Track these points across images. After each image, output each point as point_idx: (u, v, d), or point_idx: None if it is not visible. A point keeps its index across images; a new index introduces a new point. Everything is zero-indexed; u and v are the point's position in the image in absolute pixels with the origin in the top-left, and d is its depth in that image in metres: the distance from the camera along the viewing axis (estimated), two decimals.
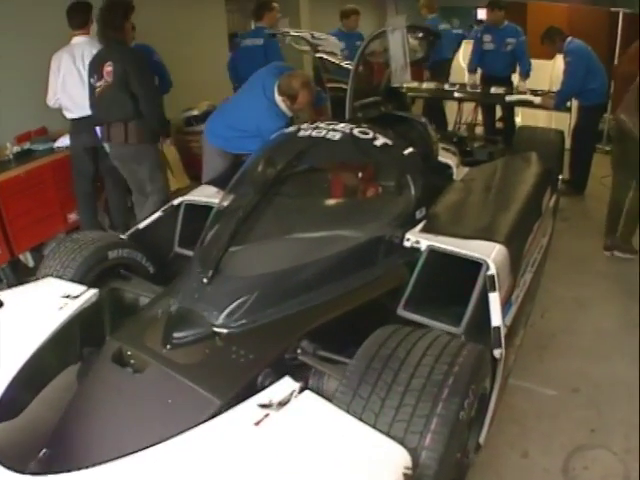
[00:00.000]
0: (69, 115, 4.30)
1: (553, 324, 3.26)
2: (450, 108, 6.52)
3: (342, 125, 2.71)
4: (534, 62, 6.23)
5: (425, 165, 3.26)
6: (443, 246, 2.29)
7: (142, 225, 3.04)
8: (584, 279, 3.72)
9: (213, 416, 1.61)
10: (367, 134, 2.67)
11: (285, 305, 2.09)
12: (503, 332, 2.03)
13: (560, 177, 3.99)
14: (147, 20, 5.63)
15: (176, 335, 1.96)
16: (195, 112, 6.23)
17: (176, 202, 3.08)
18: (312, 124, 2.78)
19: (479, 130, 6.42)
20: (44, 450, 1.78)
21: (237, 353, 1.88)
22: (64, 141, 4.53)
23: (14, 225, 4.23)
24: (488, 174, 3.27)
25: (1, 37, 4.56)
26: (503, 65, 6.25)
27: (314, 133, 2.67)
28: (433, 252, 2.30)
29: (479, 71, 6.44)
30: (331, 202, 2.68)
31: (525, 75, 6.13)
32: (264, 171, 2.70)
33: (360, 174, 2.76)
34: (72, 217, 4.67)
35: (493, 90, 5.59)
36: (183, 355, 1.90)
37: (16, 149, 4.55)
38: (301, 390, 1.61)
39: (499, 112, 6.45)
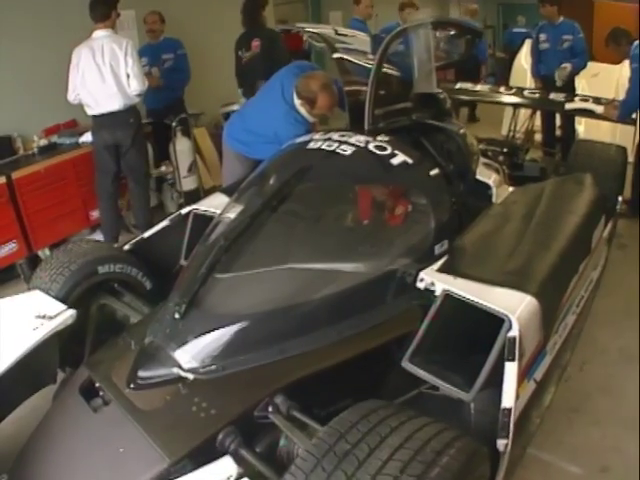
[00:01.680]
0: (90, 112, 4.17)
1: (591, 380, 2.75)
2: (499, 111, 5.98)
3: (357, 138, 2.36)
4: (599, 66, 5.66)
5: (456, 186, 2.88)
6: (461, 293, 1.90)
7: (147, 234, 2.85)
8: (636, 324, 3.15)
9: (160, 475, 1.53)
10: (384, 149, 2.31)
11: (263, 352, 1.82)
12: (514, 416, 1.65)
13: (620, 198, 3.48)
14: (186, 10, 5.49)
15: (141, 374, 1.81)
16: (235, 107, 5.90)
17: (184, 211, 2.87)
18: (325, 134, 2.46)
19: (538, 137, 5.92)
20: (4, 475, 1.75)
21: (199, 405, 1.69)
22: (89, 136, 4.41)
23: (33, 221, 4.19)
24: (533, 198, 2.79)
25: (35, 28, 4.53)
26: (560, 65, 5.62)
27: (325, 145, 2.34)
28: (450, 297, 1.93)
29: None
30: (331, 229, 2.31)
31: (576, 64, 5.54)
32: (262, 189, 2.39)
33: (369, 198, 2.39)
34: (95, 215, 4.59)
35: (552, 96, 5.05)
36: (144, 398, 1.75)
37: (43, 142, 4.49)
38: (239, 477, 1.44)
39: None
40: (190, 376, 1.78)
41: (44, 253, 4.26)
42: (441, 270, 2.08)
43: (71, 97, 4.13)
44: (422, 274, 2.06)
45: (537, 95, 5.20)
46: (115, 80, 3.99)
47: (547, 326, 1.98)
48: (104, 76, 3.98)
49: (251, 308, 1.91)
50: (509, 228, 2.47)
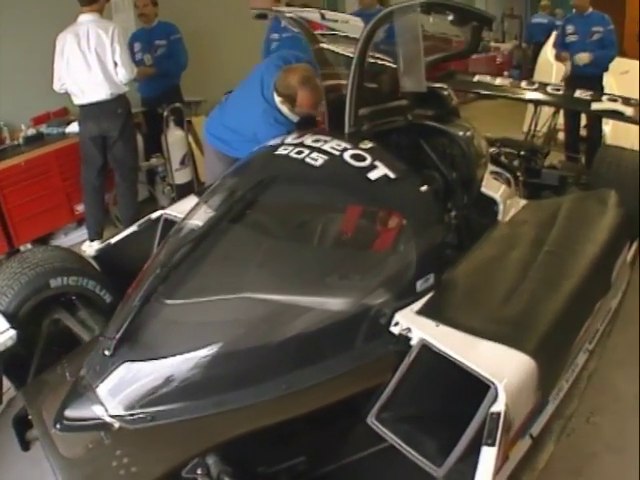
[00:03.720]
0: (76, 101, 3.95)
1: (599, 435, 2.34)
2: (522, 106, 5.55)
3: (334, 144, 2.02)
4: (629, 62, 5.24)
5: (458, 200, 2.54)
6: (441, 347, 1.57)
7: (114, 240, 2.65)
8: None
9: None
10: (363, 160, 1.95)
11: (198, 403, 1.57)
12: None
13: None
14: None
15: (68, 414, 1.62)
16: None
17: (154, 216, 2.65)
18: (299, 137, 2.13)
19: (561, 135, 5.50)
20: None
21: (120, 460, 1.47)
22: (75, 126, 4.19)
23: (14, 215, 4.01)
24: (546, 218, 2.41)
25: (25, 14, 4.34)
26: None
27: (294, 152, 2.01)
28: (428, 349, 1.60)
29: (561, 67, 5.48)
30: (289, 256, 1.90)
31: (604, 54, 5.16)
32: (217, 202, 2.07)
33: (337, 219, 2.00)
34: (80, 209, 4.38)
35: (578, 94, 4.62)
36: (68, 442, 1.57)
37: (31, 132, 4.28)
38: None
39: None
40: (116, 424, 1.56)
41: (26, 249, 4.02)
42: (422, 312, 1.74)
43: (57, 86, 3.91)
44: (398, 316, 1.72)
45: (561, 92, 4.78)
46: (101, 68, 3.76)
47: (547, 387, 1.65)
48: (90, 64, 3.76)
49: (187, 349, 1.63)
50: (513, 257, 2.09)
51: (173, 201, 4.58)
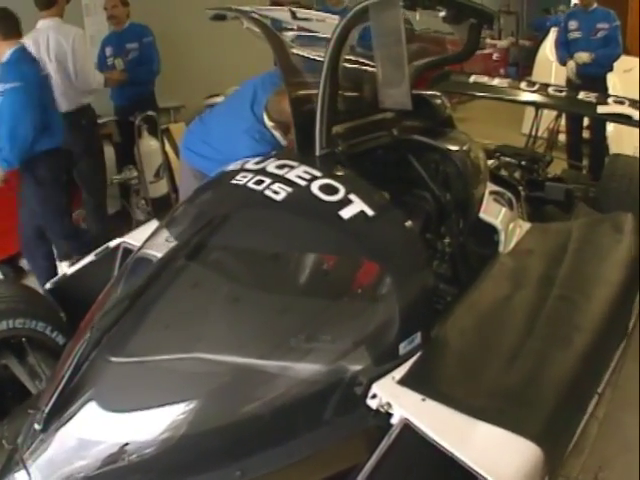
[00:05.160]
0: None
1: None
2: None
3: (301, 170, 1.71)
4: (633, 60, 4.98)
5: (453, 226, 2.22)
6: (427, 430, 1.27)
7: (70, 271, 2.46)
8: None
9: None
10: (335, 192, 1.64)
11: None
12: None
13: None
14: None
15: None
16: (221, 99, 5.39)
17: (112, 244, 2.45)
18: (262, 162, 1.82)
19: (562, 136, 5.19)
20: None
21: None
22: None
23: None
24: (554, 247, 2.14)
25: None
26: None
27: (253, 182, 1.70)
28: (410, 429, 1.29)
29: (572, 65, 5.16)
30: (241, 313, 1.56)
31: (606, 54, 4.88)
32: (172, 238, 1.77)
33: (301, 268, 1.66)
34: None
35: (582, 96, 4.31)
36: None
37: None
38: None
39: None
40: None
41: None
42: (405, 382, 1.43)
43: None
44: (376, 387, 1.42)
45: (564, 94, 4.47)
46: (62, 77, 3.47)
47: (554, 470, 1.36)
48: (50, 73, 3.41)
49: (118, 430, 1.39)
50: (518, 303, 1.79)
51: (149, 215, 4.35)
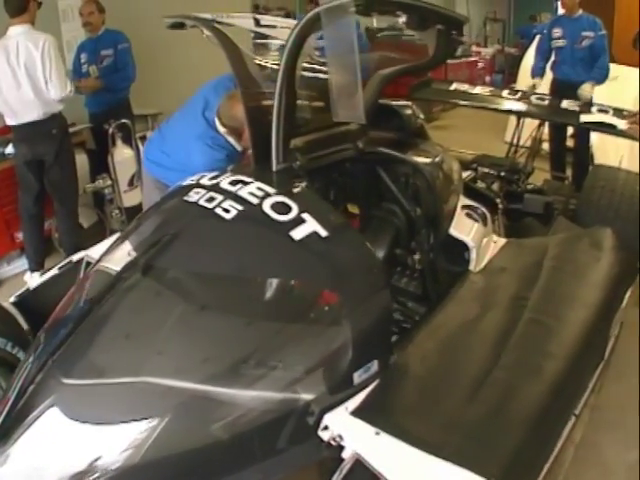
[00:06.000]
0: (8, 121, 3.57)
1: None
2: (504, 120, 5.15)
3: (256, 187, 1.63)
4: (619, 68, 4.85)
5: (422, 242, 2.15)
6: (380, 467, 1.18)
7: (34, 285, 2.39)
8: None
9: None
10: (287, 211, 1.56)
11: None
12: None
13: None
14: None
15: None
16: None
17: (75, 258, 2.40)
18: (217, 177, 1.74)
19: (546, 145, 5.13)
20: None
21: None
22: None
23: None
24: (529, 265, 2.04)
25: None
26: (578, 67, 4.86)
27: (204, 199, 1.63)
28: (362, 465, 1.21)
29: (548, 75, 5.09)
30: (190, 337, 1.46)
31: (597, 79, 4.73)
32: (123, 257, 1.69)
33: (249, 292, 1.55)
34: (21, 236, 3.94)
35: (565, 104, 4.24)
36: None
37: None
38: None
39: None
40: None
41: None
42: (359, 413, 1.35)
43: None
44: (328, 418, 1.34)
45: (546, 102, 4.40)
46: (32, 85, 3.38)
47: None
48: (19, 81, 3.38)
49: (63, 455, 1.32)
50: (485, 326, 1.70)
51: (123, 225, 4.25)
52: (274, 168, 1.76)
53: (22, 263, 4.11)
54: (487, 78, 9.49)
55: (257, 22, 2.02)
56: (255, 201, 1.58)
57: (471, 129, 6.95)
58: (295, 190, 1.66)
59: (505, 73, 9.29)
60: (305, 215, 1.55)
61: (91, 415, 1.37)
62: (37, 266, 3.79)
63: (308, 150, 1.90)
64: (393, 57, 2.69)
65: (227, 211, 1.56)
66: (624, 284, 2.07)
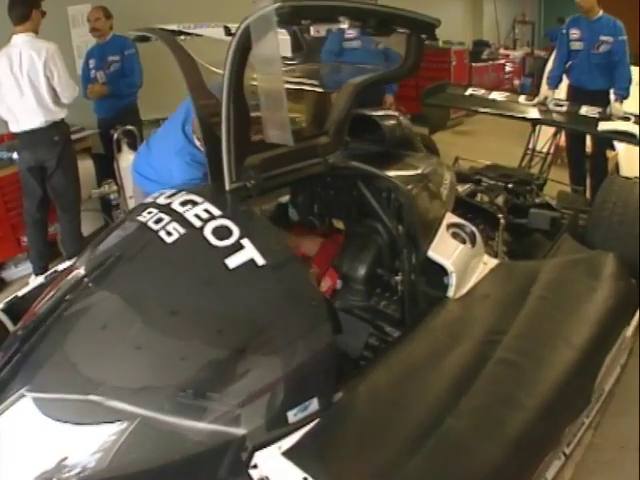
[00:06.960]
0: (12, 128, 3.61)
1: None
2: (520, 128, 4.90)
3: (201, 209, 1.56)
4: None
5: (403, 263, 2.02)
6: None
7: (22, 293, 2.37)
8: None
9: None
10: (228, 236, 1.48)
11: None
12: None
13: None
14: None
15: None
16: None
17: (61, 267, 2.39)
18: (175, 194, 1.68)
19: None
20: None
21: None
22: None
23: None
24: (515, 292, 1.85)
25: None
26: (594, 73, 4.48)
27: (152, 220, 1.58)
28: None
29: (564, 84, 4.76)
30: (127, 363, 1.40)
31: (622, 95, 4.34)
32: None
33: (180, 322, 1.47)
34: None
35: (583, 111, 4.03)
36: None
37: None
38: None
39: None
40: None
41: None
42: (291, 454, 1.26)
43: None
44: (258, 456, 1.27)
45: (564, 109, 4.20)
46: (34, 93, 3.42)
47: None
48: (22, 89, 3.42)
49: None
50: (449, 364, 1.54)
51: None
52: (227, 187, 1.68)
53: (29, 266, 4.16)
54: (516, 82, 9.21)
55: (228, 31, 1.93)
56: (198, 224, 1.52)
57: (495, 135, 6.74)
58: (241, 213, 1.58)
59: (534, 76, 8.99)
60: (244, 241, 1.47)
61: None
62: (41, 270, 3.80)
63: (267, 167, 1.79)
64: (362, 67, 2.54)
65: (170, 234, 1.51)
66: (621, 320, 1.87)
